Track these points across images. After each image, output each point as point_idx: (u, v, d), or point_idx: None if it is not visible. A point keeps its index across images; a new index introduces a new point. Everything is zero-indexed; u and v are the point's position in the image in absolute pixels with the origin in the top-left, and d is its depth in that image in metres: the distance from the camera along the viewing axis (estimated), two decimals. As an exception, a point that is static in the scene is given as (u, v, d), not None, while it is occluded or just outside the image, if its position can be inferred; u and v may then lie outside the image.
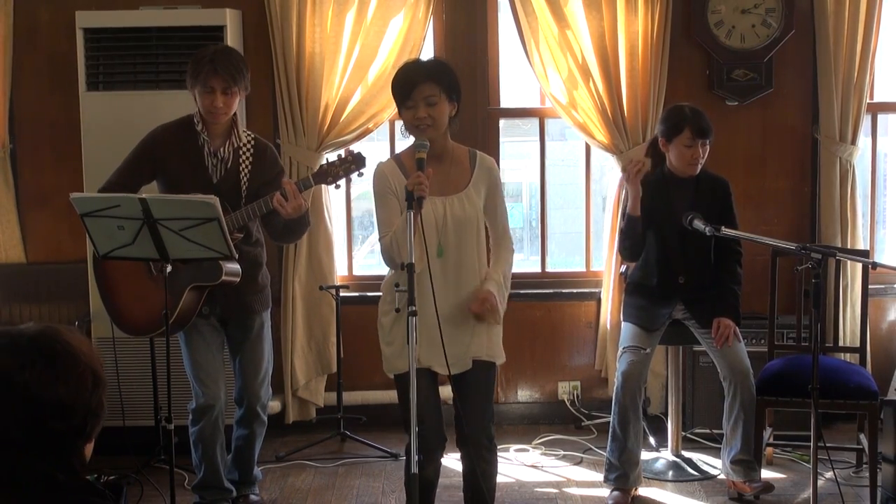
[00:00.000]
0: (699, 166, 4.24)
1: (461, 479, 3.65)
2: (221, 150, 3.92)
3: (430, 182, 3.20)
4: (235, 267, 3.85)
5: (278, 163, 4.09)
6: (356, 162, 3.81)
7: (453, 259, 3.43)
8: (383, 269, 3.76)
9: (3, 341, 1.73)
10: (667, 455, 4.67)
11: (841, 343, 4.99)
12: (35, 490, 1.71)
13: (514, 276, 5.63)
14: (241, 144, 3.95)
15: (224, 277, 3.80)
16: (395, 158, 3.51)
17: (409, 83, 3.36)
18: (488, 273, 3.50)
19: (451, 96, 3.40)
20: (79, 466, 1.76)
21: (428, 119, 3.35)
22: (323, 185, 4.92)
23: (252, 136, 4.03)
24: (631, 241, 4.25)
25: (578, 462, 4.77)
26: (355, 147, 5.03)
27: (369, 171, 3.79)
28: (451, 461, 4.71)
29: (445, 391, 3.70)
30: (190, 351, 3.98)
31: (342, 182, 3.85)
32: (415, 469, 3.05)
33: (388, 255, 3.39)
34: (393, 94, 3.43)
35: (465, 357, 3.46)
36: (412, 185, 3.19)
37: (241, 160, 3.93)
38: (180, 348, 4.02)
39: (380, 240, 3.44)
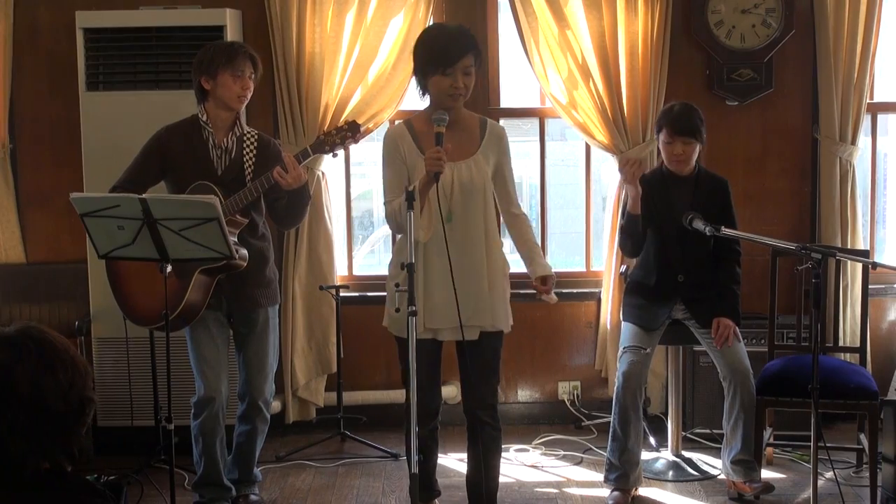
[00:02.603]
0: (686, 165, 4.23)
1: (461, 478, 3.69)
2: (225, 140, 3.95)
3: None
4: (243, 251, 3.87)
5: (281, 157, 4.11)
6: (351, 130, 3.89)
7: (460, 224, 3.46)
8: (383, 269, 3.77)
9: None
10: (667, 455, 4.67)
11: (841, 343, 4.98)
12: (40, 484, 1.77)
13: (514, 275, 5.66)
14: (244, 134, 3.99)
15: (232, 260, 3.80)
16: (406, 123, 3.55)
17: (455, 52, 3.38)
18: (536, 260, 3.62)
19: (478, 68, 3.48)
20: (79, 454, 1.84)
21: (464, 89, 3.41)
22: (322, 186, 4.96)
23: (255, 131, 4.07)
24: (632, 239, 4.26)
25: (578, 462, 4.77)
26: (356, 147, 5.05)
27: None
28: (452, 461, 4.72)
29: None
30: (194, 344, 4.00)
31: (340, 151, 3.92)
32: (414, 469, 3.06)
33: (394, 220, 3.44)
34: (428, 58, 3.43)
35: (468, 321, 3.46)
36: (430, 162, 3.25)
37: (244, 151, 3.97)
38: (185, 342, 4.03)
39: (385, 203, 3.50)
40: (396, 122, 3.61)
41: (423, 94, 3.52)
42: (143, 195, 3.58)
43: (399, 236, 3.59)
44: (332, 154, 3.95)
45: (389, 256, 3.64)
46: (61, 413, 1.79)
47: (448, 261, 3.31)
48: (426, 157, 3.30)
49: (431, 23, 4.98)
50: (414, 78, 3.55)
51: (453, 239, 3.40)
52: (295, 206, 3.99)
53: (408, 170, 3.45)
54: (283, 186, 3.81)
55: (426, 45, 3.47)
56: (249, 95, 3.97)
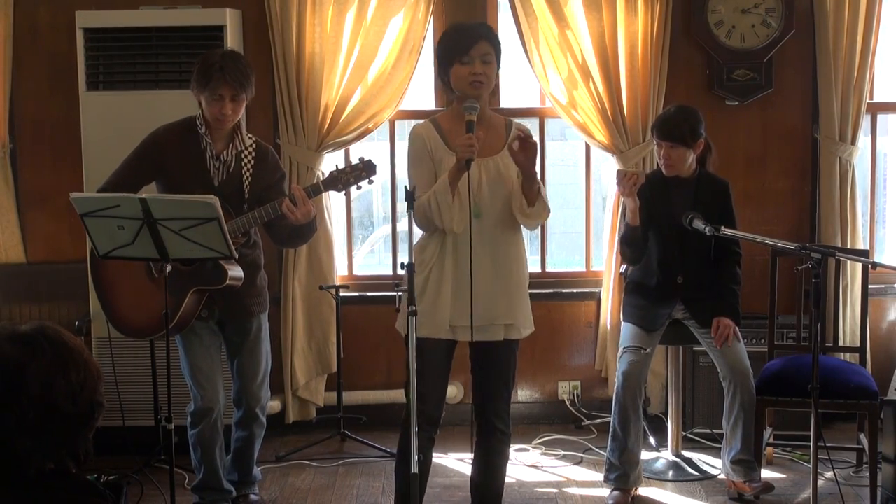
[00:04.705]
0: (674, 169, 4.23)
1: (462, 478, 3.67)
2: (224, 153, 3.91)
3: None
4: (238, 272, 3.84)
5: (280, 166, 4.10)
6: (366, 169, 3.79)
7: (489, 221, 3.44)
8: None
9: (6, 334, 1.81)
10: (667, 455, 4.67)
11: (841, 343, 4.98)
12: (43, 483, 1.78)
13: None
14: (244, 148, 3.94)
15: (228, 282, 3.79)
16: (433, 121, 3.54)
17: (468, 39, 3.40)
18: None
19: (498, 61, 3.47)
20: (84, 456, 1.85)
21: (483, 76, 3.39)
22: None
23: (254, 139, 4.02)
24: (631, 248, 4.25)
25: (578, 462, 4.77)
26: (356, 147, 5.05)
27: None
28: (453, 461, 4.72)
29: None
30: (188, 354, 3.98)
31: (352, 189, 3.85)
32: (415, 469, 3.05)
33: (423, 216, 3.39)
34: (443, 51, 3.46)
35: (495, 319, 3.45)
36: (463, 148, 3.25)
37: (243, 163, 3.92)
38: (178, 352, 4.01)
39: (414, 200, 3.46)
40: (422, 122, 3.57)
41: (451, 92, 3.49)
42: (144, 195, 3.56)
43: (422, 238, 3.54)
44: (344, 193, 3.87)
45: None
46: (70, 414, 1.79)
47: (471, 257, 3.30)
48: (459, 142, 3.29)
49: (431, 23, 4.99)
50: (440, 79, 3.54)
51: (482, 236, 3.40)
52: (299, 236, 3.96)
53: (434, 166, 3.44)
54: (292, 221, 3.74)
55: (444, 39, 3.51)
56: (234, 116, 3.85)
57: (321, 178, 3.91)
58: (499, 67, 3.49)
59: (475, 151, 3.26)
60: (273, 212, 3.78)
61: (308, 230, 3.91)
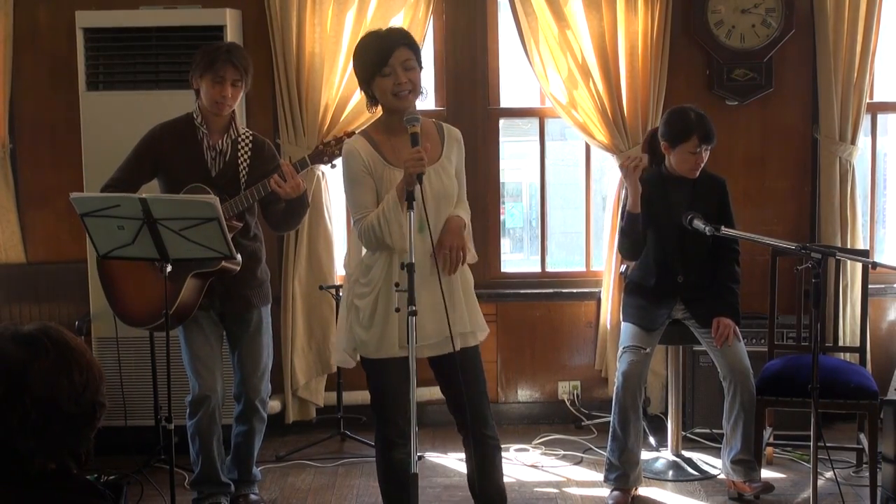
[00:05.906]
0: (699, 170, 4.25)
1: (461, 478, 3.65)
2: (220, 142, 3.95)
3: (407, 156, 3.12)
4: (236, 256, 3.87)
5: (277, 157, 4.13)
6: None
7: (435, 234, 3.28)
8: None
9: (9, 334, 1.81)
10: (667, 455, 4.67)
11: (841, 343, 4.98)
12: (44, 483, 1.78)
13: (515, 275, 5.66)
14: (239, 137, 3.99)
15: (224, 263, 3.81)
16: (363, 134, 3.38)
17: (385, 49, 3.23)
18: (454, 218, 3.35)
19: (420, 63, 3.31)
20: (85, 456, 1.85)
21: (408, 84, 3.24)
22: (322, 185, 4.97)
23: (250, 132, 4.07)
24: (631, 239, 4.24)
25: (578, 462, 4.77)
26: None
27: None
28: (452, 461, 4.72)
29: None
30: (188, 343, 4.00)
31: (338, 161, 3.83)
32: (415, 469, 3.03)
33: (373, 236, 3.23)
34: (363, 64, 3.29)
35: (448, 335, 3.24)
36: (412, 163, 3.09)
37: (239, 153, 3.97)
38: (179, 341, 4.03)
39: (355, 221, 3.30)
40: (353, 137, 3.40)
41: (374, 105, 3.35)
42: (144, 195, 3.58)
43: (363, 255, 3.37)
44: (330, 165, 3.91)
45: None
46: (73, 415, 1.80)
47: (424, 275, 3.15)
48: (407, 157, 3.12)
49: (431, 23, 4.99)
50: (364, 94, 3.36)
51: (426, 249, 3.22)
52: (293, 213, 3.98)
53: (375, 183, 3.28)
54: (282, 196, 3.79)
55: (360, 52, 3.32)
56: (233, 103, 3.91)
57: (307, 153, 3.95)
58: (421, 69, 3.31)
59: (425, 165, 3.11)
60: (263, 190, 3.83)
61: (299, 206, 3.93)
